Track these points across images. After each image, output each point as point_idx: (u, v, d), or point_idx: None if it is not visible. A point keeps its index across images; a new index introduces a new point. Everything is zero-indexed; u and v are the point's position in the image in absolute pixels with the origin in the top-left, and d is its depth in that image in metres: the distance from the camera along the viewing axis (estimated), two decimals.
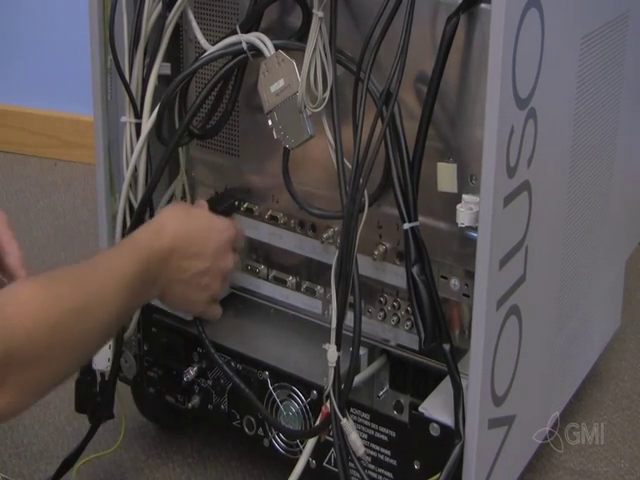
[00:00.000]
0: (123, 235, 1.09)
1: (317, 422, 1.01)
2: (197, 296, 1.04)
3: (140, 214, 1.08)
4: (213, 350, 1.09)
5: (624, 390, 1.40)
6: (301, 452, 1.05)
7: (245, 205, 1.11)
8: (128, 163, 1.08)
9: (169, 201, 1.15)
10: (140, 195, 1.09)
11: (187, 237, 1.01)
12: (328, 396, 0.96)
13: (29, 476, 1.21)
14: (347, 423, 0.97)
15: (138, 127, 1.07)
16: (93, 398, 1.14)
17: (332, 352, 0.95)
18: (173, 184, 1.15)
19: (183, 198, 1.15)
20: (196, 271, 1.02)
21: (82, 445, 1.15)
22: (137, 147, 1.07)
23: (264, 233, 1.10)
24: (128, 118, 1.08)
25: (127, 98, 1.06)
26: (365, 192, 0.92)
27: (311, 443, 1.03)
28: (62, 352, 0.86)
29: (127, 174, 1.08)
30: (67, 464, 1.15)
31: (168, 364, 1.16)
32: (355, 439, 0.97)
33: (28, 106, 2.16)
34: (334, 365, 0.95)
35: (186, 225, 1.02)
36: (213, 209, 1.09)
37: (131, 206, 1.10)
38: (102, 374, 1.12)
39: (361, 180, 0.90)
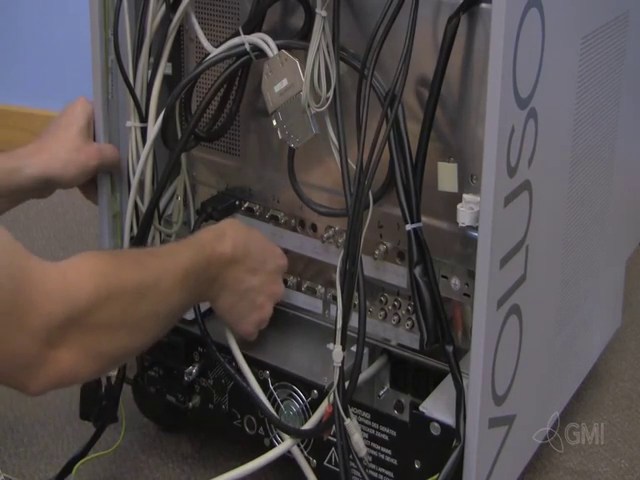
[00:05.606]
0: (131, 244, 1.09)
1: (314, 417, 1.01)
2: (249, 314, 1.04)
3: (147, 221, 1.07)
4: (215, 348, 1.08)
5: (624, 390, 1.40)
6: (302, 451, 1.06)
7: (246, 205, 1.11)
8: (134, 167, 1.07)
9: (169, 201, 1.15)
10: (146, 200, 1.08)
11: (246, 250, 1.00)
12: (333, 396, 0.96)
13: (29, 476, 1.21)
14: (351, 423, 0.96)
15: (143, 130, 1.06)
16: (99, 402, 1.13)
17: (337, 352, 0.94)
18: (174, 183, 1.15)
19: (184, 198, 1.15)
20: (251, 286, 1.02)
21: (85, 449, 1.15)
22: (143, 154, 1.06)
23: (265, 233, 1.10)
24: (133, 122, 1.07)
25: (131, 102, 1.06)
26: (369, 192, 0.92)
27: (290, 439, 1.03)
28: (121, 325, 0.86)
29: (134, 181, 1.07)
30: (69, 467, 1.15)
31: (169, 364, 1.16)
32: (358, 440, 0.97)
33: (28, 106, 2.16)
34: (339, 365, 0.94)
35: (247, 239, 1.02)
36: (214, 208, 1.09)
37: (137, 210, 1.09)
38: (108, 378, 1.12)
39: (366, 181, 0.90)
